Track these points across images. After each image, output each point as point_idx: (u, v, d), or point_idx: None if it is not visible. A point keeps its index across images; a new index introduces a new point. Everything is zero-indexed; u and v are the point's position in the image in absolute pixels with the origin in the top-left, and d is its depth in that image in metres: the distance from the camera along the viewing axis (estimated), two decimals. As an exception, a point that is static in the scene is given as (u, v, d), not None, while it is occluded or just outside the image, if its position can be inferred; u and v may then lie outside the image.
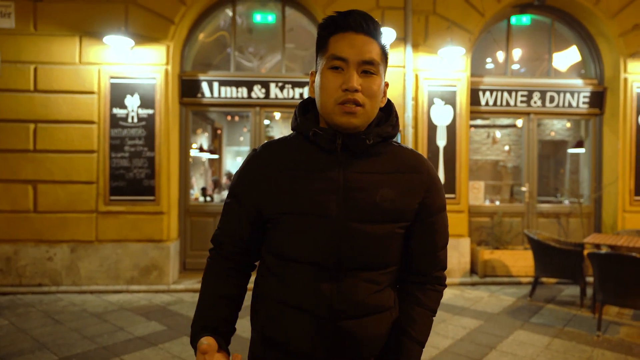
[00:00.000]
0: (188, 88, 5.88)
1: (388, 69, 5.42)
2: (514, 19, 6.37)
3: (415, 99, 5.83)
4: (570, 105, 6.33)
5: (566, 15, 6.36)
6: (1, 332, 3.92)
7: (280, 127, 10.29)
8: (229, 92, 5.92)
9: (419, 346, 1.05)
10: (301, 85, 5.97)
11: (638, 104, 6.05)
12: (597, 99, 6.34)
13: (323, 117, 1.02)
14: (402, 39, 5.66)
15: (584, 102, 6.34)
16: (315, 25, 6.05)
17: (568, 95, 6.32)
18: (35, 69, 5.35)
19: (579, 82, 6.37)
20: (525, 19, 6.42)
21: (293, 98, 5.97)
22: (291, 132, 1.11)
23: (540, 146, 8.66)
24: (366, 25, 0.97)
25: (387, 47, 1.03)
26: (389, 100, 1.11)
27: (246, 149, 10.24)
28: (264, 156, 1.07)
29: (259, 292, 1.09)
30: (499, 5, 5.90)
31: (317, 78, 1.01)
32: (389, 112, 1.09)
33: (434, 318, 1.11)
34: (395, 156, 1.04)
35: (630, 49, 5.99)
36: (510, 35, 6.38)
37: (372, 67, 0.97)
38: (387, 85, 1.07)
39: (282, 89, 5.96)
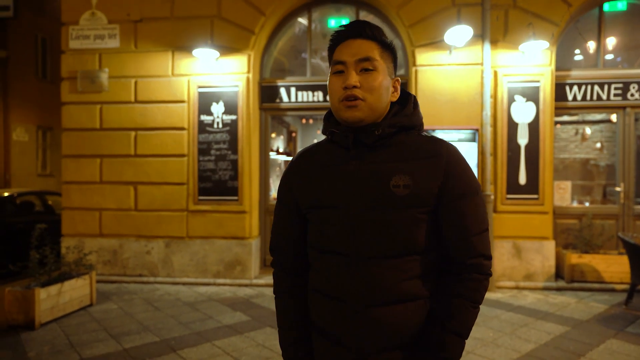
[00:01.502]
0: (267, 94, 6.22)
1: (464, 67, 5.31)
2: (607, 6, 5.91)
3: (494, 96, 5.64)
4: (673, 97, 5.73)
5: None
6: (112, 314, 4.47)
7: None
8: (305, 97, 6.17)
9: (459, 338, 1.03)
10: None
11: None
12: None
13: (335, 117, 1.13)
14: (479, 36, 5.51)
15: (691, 93, 5.71)
16: (388, 27, 6.10)
17: (671, 86, 5.73)
18: (136, 82, 6.00)
19: (684, 70, 5.74)
20: (620, 5, 5.93)
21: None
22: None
23: (638, 143, 7.90)
24: (363, 30, 1.08)
25: (391, 46, 1.12)
26: (407, 93, 1.17)
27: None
28: (298, 160, 1.21)
29: (308, 281, 1.21)
30: (588, -7, 5.52)
31: (328, 83, 1.13)
32: (406, 103, 1.15)
33: (479, 309, 1.07)
34: (413, 144, 1.08)
35: None
36: (602, 23, 5.92)
37: (369, 64, 1.06)
38: (397, 81, 1.14)
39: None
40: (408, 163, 1.05)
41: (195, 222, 5.89)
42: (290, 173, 1.21)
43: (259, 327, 4.09)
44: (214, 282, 5.70)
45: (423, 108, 5.68)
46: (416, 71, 5.69)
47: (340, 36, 1.11)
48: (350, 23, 1.12)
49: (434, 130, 5.58)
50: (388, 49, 1.11)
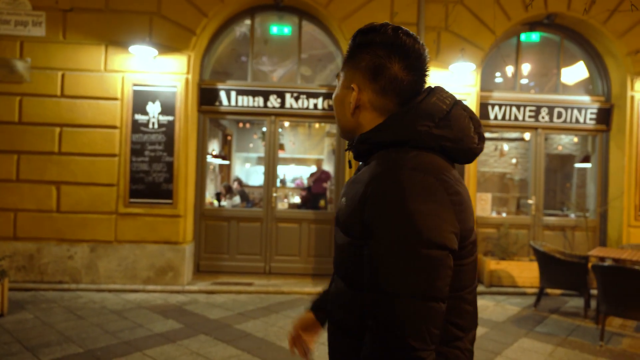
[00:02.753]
0: (207, 96, 6.11)
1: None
2: (523, 36, 6.56)
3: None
4: (577, 121, 6.47)
5: (575, 34, 6.53)
6: (28, 324, 4.12)
7: (289, 135, 10.50)
8: (245, 101, 6.14)
9: None
10: (315, 96, 6.18)
11: (644, 121, 6.19)
12: (604, 116, 6.48)
13: None
14: (414, 54, 5.85)
15: (591, 118, 6.49)
16: (330, 39, 6.27)
17: (576, 111, 6.47)
18: (63, 75, 5.61)
19: (586, 98, 6.52)
20: (534, 37, 6.60)
21: (307, 108, 6.17)
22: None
23: (547, 160, 8.79)
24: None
25: (353, 43, 1.01)
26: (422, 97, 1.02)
27: (255, 156, 10.45)
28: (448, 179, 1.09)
29: None
30: (509, 23, 6.09)
31: None
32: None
33: None
34: (364, 168, 0.97)
35: (637, 67, 6.14)
36: (519, 52, 6.56)
37: (337, 79, 1.06)
38: (354, 89, 0.98)
39: (297, 99, 6.17)
40: (351, 185, 0.95)
41: (125, 226, 5.60)
42: (453, 197, 0.86)
43: (192, 334, 3.99)
44: (143, 288, 5.45)
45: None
46: (355, 83, 5.89)
47: None
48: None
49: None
50: (349, 52, 1.02)
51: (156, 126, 5.69)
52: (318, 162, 8.06)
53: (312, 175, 7.73)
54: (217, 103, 6.14)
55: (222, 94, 6.13)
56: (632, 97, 6.18)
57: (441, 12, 5.99)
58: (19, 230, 5.52)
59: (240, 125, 9.74)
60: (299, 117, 6.36)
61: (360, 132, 0.99)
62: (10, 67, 5.57)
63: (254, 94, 6.16)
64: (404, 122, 0.91)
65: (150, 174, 5.67)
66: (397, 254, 0.78)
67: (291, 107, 6.18)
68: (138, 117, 5.68)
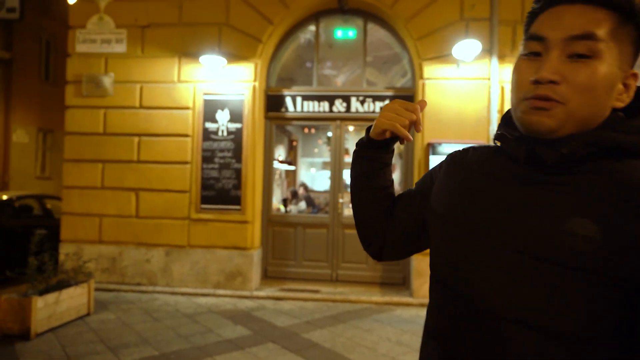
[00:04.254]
0: (273, 103, 6.18)
1: (472, 81, 5.24)
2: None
3: (501, 111, 5.60)
4: None
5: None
6: (110, 325, 4.37)
7: (354, 140, 10.36)
8: (311, 107, 6.13)
9: None
10: (382, 99, 6.01)
11: None
12: None
13: (514, 118, 0.77)
14: (487, 51, 5.49)
15: None
16: (396, 39, 6.08)
17: None
18: (141, 88, 5.95)
19: None
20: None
21: (374, 112, 6.02)
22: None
23: None
24: None
25: (634, 16, 0.70)
26: None
27: (320, 160, 10.44)
28: (459, 154, 0.93)
29: None
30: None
31: (513, 70, 0.78)
32: (637, 112, 0.74)
33: None
34: (623, 177, 0.66)
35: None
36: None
37: (585, 46, 0.67)
38: (634, 76, 0.72)
39: (362, 102, 6.04)
40: (602, 205, 0.65)
41: (197, 231, 5.80)
42: (445, 163, 0.94)
43: (260, 342, 3.99)
44: (213, 292, 5.60)
45: (429, 122, 5.67)
46: (423, 84, 5.65)
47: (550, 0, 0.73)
48: None
49: (440, 143, 5.54)
50: (631, 19, 0.69)
51: (225, 134, 5.84)
52: (392, 166, 7.83)
53: None
54: (283, 109, 6.18)
55: (288, 100, 6.16)
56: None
57: (517, 4, 5.57)
58: (104, 235, 5.92)
59: (306, 130, 9.79)
60: (365, 120, 6.21)
61: (595, 128, 0.71)
62: (96, 82, 6.01)
63: (319, 99, 6.12)
64: None
65: (220, 180, 5.83)
66: None
67: (357, 111, 6.06)
68: (208, 125, 5.86)
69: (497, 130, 0.84)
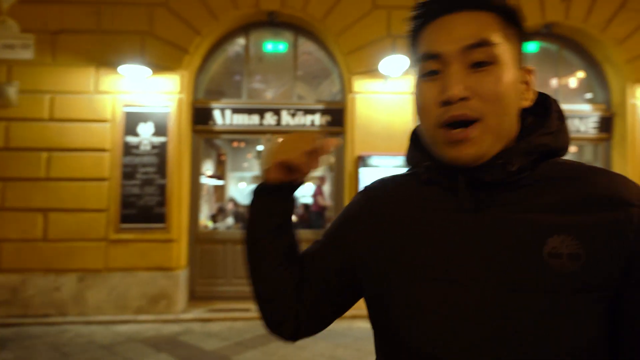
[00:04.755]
0: (200, 116, 5.94)
1: (399, 95, 5.40)
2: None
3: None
4: (579, 130, 6.33)
5: (573, 43, 6.46)
6: (8, 363, 3.79)
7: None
8: (240, 120, 5.97)
9: None
10: (313, 112, 6.02)
11: (648, 129, 6.05)
12: (606, 124, 6.35)
13: (432, 149, 0.70)
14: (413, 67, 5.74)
15: (592, 127, 6.35)
16: (326, 54, 6.16)
17: (577, 120, 6.34)
18: (52, 99, 5.42)
19: (587, 107, 6.40)
20: (532, 46, 6.53)
21: (304, 125, 6.00)
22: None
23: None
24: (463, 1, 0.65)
25: (516, 13, 0.68)
26: (545, 97, 0.72)
27: (250, 175, 10.25)
28: (380, 187, 0.79)
29: None
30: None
31: (415, 94, 0.71)
32: (546, 112, 0.70)
33: None
34: (572, 182, 0.63)
35: (637, 74, 6.05)
36: (517, 63, 6.46)
37: (484, 53, 0.63)
38: (529, 72, 0.69)
39: (293, 116, 6.00)
40: (572, 216, 0.61)
41: (116, 253, 5.31)
42: (363, 201, 0.79)
43: (187, 368, 3.68)
44: (134, 318, 5.12)
45: (359, 135, 5.78)
46: (353, 98, 5.75)
47: (428, 12, 0.67)
48: None
49: (369, 156, 5.63)
50: (512, 19, 0.67)
51: (148, 148, 5.48)
52: (322, 179, 7.83)
53: (315, 192, 7.47)
54: (211, 122, 5.96)
55: (217, 113, 5.96)
56: (633, 105, 6.06)
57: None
58: (3, 262, 5.22)
59: (235, 144, 9.57)
60: (296, 134, 6.17)
61: (511, 139, 0.67)
62: (-3, 91, 5.38)
63: (249, 112, 5.99)
64: (566, 124, 0.70)
65: (142, 197, 5.43)
66: None
67: (288, 125, 6.00)
68: (129, 139, 5.47)
69: (408, 156, 0.76)
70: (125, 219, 5.37)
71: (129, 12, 5.55)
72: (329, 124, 6.01)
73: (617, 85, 6.30)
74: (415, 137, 0.76)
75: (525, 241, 0.61)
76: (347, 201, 5.78)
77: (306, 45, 6.29)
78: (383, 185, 0.79)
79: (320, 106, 6.06)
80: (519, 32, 0.68)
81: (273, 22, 6.01)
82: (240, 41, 6.23)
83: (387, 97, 5.76)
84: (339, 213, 0.85)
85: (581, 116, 6.35)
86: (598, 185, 0.62)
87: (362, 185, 5.56)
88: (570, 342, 0.57)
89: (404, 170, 0.80)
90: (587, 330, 0.58)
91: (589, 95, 6.58)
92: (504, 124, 0.64)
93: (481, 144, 0.63)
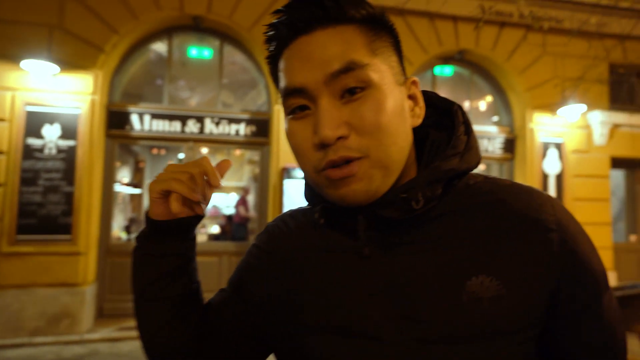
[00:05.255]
0: (116, 119, 5.56)
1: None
2: (437, 69, 6.93)
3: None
4: (487, 150, 6.90)
5: (482, 69, 7.04)
6: None
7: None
8: (161, 126, 5.69)
9: None
10: (238, 121, 5.91)
11: (542, 151, 6.75)
12: (510, 145, 6.99)
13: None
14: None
15: (499, 148, 6.95)
16: (253, 63, 6.11)
17: (485, 141, 6.90)
18: None
19: (494, 129, 7.00)
20: (447, 70, 7.01)
21: (229, 134, 5.87)
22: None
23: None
24: (319, 10, 0.55)
25: (384, 19, 0.59)
26: (449, 104, 0.65)
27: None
28: (282, 231, 0.71)
29: None
30: (426, 56, 6.39)
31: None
32: (451, 125, 0.63)
33: None
34: (486, 209, 0.58)
35: (535, 102, 6.74)
36: (435, 84, 6.91)
37: (354, 78, 0.54)
38: (414, 83, 0.61)
39: (217, 124, 5.85)
40: (490, 251, 0.55)
41: (10, 267, 4.76)
42: (265, 247, 0.71)
43: (90, 394, 3.38)
44: (29, 341, 4.61)
45: (285, 147, 5.76)
46: (279, 110, 5.75)
47: (282, 33, 0.58)
48: (289, 5, 0.57)
49: (294, 168, 5.65)
50: (382, 27, 0.58)
51: (54, 152, 5.01)
52: (246, 190, 7.69)
53: (238, 203, 7.30)
54: (128, 127, 5.60)
55: (135, 118, 5.62)
56: (532, 130, 6.73)
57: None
58: None
59: (155, 151, 9.09)
60: (219, 143, 6.02)
61: (407, 167, 0.60)
62: None
63: (170, 118, 5.73)
64: (475, 138, 0.62)
65: (45, 205, 4.94)
66: (614, 302, 0.58)
67: (211, 133, 5.83)
68: (31, 141, 4.96)
69: (305, 193, 0.67)
70: (22, 229, 4.84)
71: (35, 1, 5.06)
72: (254, 134, 5.94)
73: (518, 111, 6.97)
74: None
75: (440, 287, 0.54)
76: (271, 213, 5.74)
77: (233, 54, 6.18)
78: (284, 224, 0.71)
79: (245, 116, 5.97)
80: (391, 39, 0.59)
81: (198, 27, 5.84)
82: (163, 44, 5.96)
83: (313, 110, 5.83)
84: (242, 258, 0.75)
85: (489, 137, 6.92)
86: (515, 209, 0.56)
87: (286, 198, 5.56)
88: None
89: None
90: None
91: (495, 118, 7.21)
92: (394, 155, 0.55)
93: (369, 180, 0.55)
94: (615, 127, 6.96)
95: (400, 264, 0.56)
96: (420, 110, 0.62)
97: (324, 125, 0.53)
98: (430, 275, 0.55)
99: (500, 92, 7.11)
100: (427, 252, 0.56)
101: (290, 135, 0.58)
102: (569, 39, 5.55)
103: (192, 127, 5.78)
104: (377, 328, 0.55)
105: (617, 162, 7.15)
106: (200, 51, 6.07)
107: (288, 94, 0.57)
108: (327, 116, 0.53)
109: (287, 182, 5.59)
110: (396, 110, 0.56)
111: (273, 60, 0.61)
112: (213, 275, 5.78)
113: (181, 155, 6.13)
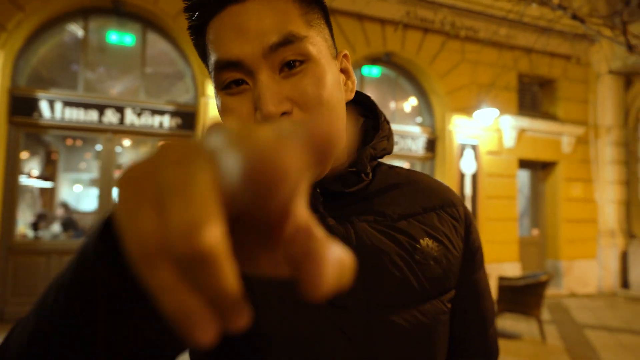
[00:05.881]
0: (22, 106, 5.07)
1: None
2: (365, 70, 7.14)
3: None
4: (410, 149, 7.24)
5: (407, 72, 7.37)
6: None
7: (131, 155, 9.49)
8: (75, 115, 5.28)
9: None
10: (161, 113, 5.66)
11: (460, 152, 7.23)
12: (431, 145, 7.40)
13: None
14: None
15: (422, 147, 7.33)
16: (179, 54, 5.87)
17: (409, 140, 7.24)
18: None
19: (417, 129, 7.36)
20: (375, 71, 7.25)
21: (152, 126, 5.60)
22: None
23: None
24: None
25: None
26: (366, 97, 0.67)
27: (89, 177, 9.14)
28: None
29: None
30: (355, 56, 6.56)
31: (218, 108, 0.56)
32: (371, 111, 0.67)
33: None
34: (412, 187, 0.65)
35: (455, 105, 7.19)
36: (363, 83, 7.11)
37: (292, 50, 0.51)
38: (346, 57, 0.61)
39: (139, 115, 5.55)
40: (426, 217, 0.62)
41: None
42: None
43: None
44: None
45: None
46: (206, 103, 5.59)
47: (209, 0, 0.52)
48: None
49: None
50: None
51: (-56, 139, 4.46)
52: None
53: None
54: (36, 114, 5.14)
55: (44, 105, 5.16)
56: (450, 131, 7.17)
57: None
58: None
59: (70, 142, 8.42)
60: (142, 135, 5.73)
61: (347, 141, 0.62)
62: None
63: (86, 106, 5.34)
64: (390, 126, 0.66)
65: None
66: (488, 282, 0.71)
67: (132, 125, 5.53)
68: None
69: None
70: None
71: None
72: (180, 127, 5.73)
73: (439, 113, 7.40)
74: None
75: (398, 248, 0.58)
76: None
77: (157, 42, 5.90)
78: None
79: (170, 107, 5.73)
80: (322, 11, 0.57)
81: (119, 11, 5.49)
82: (79, 26, 5.53)
83: (241, 105, 5.74)
84: None
85: (413, 137, 7.27)
86: (432, 189, 0.66)
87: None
88: (444, 346, 0.61)
89: None
90: (445, 335, 0.61)
91: (419, 119, 7.58)
92: (337, 128, 0.55)
93: None
94: (522, 131, 7.65)
95: (360, 232, 0.57)
96: (352, 84, 0.62)
97: (266, 102, 0.49)
98: (388, 240, 0.58)
99: (423, 95, 7.49)
100: (379, 222, 0.59)
101: (224, 111, 0.53)
102: (482, 48, 5.98)
103: (110, 117, 5.43)
104: (343, 297, 0.54)
105: (523, 164, 7.87)
106: (121, 37, 5.71)
107: (221, 68, 0.52)
108: (269, 92, 0.50)
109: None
110: (335, 84, 0.55)
111: (197, 31, 0.55)
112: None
113: (99, 147, 5.74)
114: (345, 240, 0.57)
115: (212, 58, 0.53)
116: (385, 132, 0.64)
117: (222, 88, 0.53)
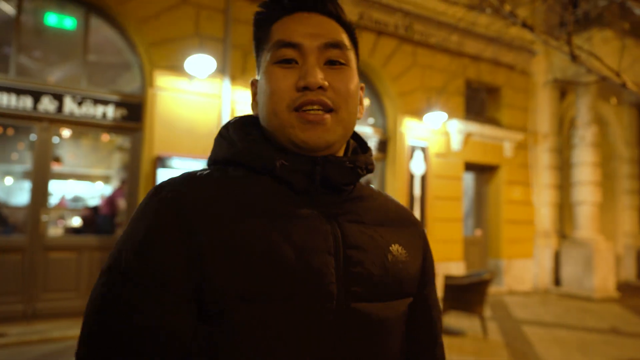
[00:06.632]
0: (-58, 88, 4.59)
1: (204, 98, 5.30)
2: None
3: (231, 130, 5.85)
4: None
5: (362, 74, 7.42)
6: None
7: (70, 146, 8.90)
8: (5, 100, 4.86)
9: None
10: (105, 103, 5.33)
11: (410, 153, 7.42)
12: (383, 146, 7.52)
13: (272, 135, 0.66)
14: (220, 70, 5.66)
15: (373, 148, 7.42)
16: (125, 42, 5.56)
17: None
18: None
19: (369, 130, 7.45)
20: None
21: (95, 117, 5.27)
22: (211, 166, 0.70)
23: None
24: (322, 4, 0.68)
25: (354, 35, 0.73)
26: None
27: (22, 169, 8.47)
28: (203, 194, 0.61)
29: None
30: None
31: (261, 81, 0.67)
32: (359, 138, 0.78)
33: None
34: (383, 201, 0.75)
35: (407, 107, 7.36)
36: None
37: (341, 54, 0.67)
38: (362, 88, 0.75)
39: (80, 104, 5.20)
40: (397, 229, 0.72)
41: None
42: (192, 220, 0.58)
43: None
44: None
45: (162, 134, 5.38)
46: (154, 94, 5.34)
47: (283, 7, 0.68)
48: None
49: (170, 157, 5.31)
50: (353, 38, 0.72)
51: None
52: (125, 181, 6.83)
53: (115, 194, 6.47)
54: (-41, 98, 4.67)
55: (-31, 88, 4.70)
56: (401, 133, 7.34)
57: (248, 31, 6.01)
58: None
59: (0, 130, 7.76)
60: (83, 125, 5.38)
61: (362, 151, 0.75)
62: None
63: (18, 92, 4.92)
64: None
65: None
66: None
67: (72, 114, 5.17)
68: None
69: (243, 154, 0.65)
70: None
71: None
72: (125, 118, 5.44)
73: (391, 115, 7.54)
74: (241, 130, 0.68)
75: (374, 248, 0.66)
76: (140, 204, 5.30)
77: (102, 29, 5.55)
78: (195, 191, 0.61)
79: (114, 97, 5.41)
80: (354, 42, 0.73)
81: (59, -9, 5.11)
82: (11, 4, 5.09)
83: (192, 98, 5.54)
84: (148, 247, 0.57)
85: (365, 137, 7.23)
86: (399, 207, 0.77)
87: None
88: (401, 345, 0.70)
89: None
90: (402, 334, 0.70)
91: (371, 120, 7.69)
92: (351, 122, 0.68)
93: (334, 132, 0.65)
94: (468, 135, 7.97)
95: (345, 230, 0.65)
96: (362, 109, 0.74)
97: (312, 74, 0.63)
98: (366, 239, 0.66)
99: (376, 96, 7.60)
100: (359, 223, 0.67)
101: (270, 78, 0.66)
102: (433, 53, 6.16)
103: (47, 105, 5.05)
104: (330, 286, 0.61)
105: (469, 166, 8.21)
106: (60, 19, 5.32)
107: (282, 45, 0.66)
108: (315, 69, 0.64)
109: (161, 172, 5.23)
110: (356, 90, 0.69)
111: (264, 22, 0.70)
112: (70, 274, 5.15)
113: (33, 137, 5.31)
114: (332, 235, 0.63)
115: (275, 38, 0.67)
116: (369, 152, 0.75)
117: (276, 62, 0.66)
